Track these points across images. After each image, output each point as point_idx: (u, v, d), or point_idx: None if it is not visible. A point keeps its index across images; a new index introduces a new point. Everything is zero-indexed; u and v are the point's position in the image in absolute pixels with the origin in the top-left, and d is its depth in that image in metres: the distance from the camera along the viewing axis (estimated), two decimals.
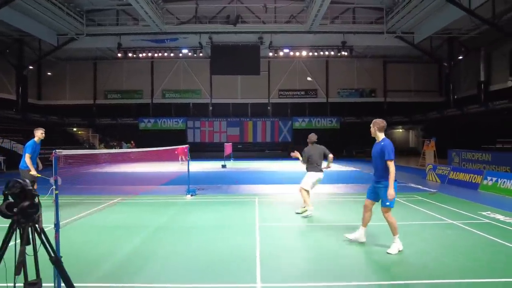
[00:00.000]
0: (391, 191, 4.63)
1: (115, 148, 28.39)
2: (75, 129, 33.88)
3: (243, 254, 4.74)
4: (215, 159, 26.12)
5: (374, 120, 5.00)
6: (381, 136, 4.93)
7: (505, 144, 15.94)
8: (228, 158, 23.38)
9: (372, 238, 5.40)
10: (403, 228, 6.10)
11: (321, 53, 28.32)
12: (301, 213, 7.03)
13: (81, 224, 6.52)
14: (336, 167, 19.19)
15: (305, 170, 7.14)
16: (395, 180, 4.75)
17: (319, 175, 6.94)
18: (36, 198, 1.91)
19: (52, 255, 1.96)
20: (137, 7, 21.86)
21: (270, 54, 28.50)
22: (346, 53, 27.76)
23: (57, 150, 3.31)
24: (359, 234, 5.16)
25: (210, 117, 33.90)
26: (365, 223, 5.16)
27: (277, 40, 27.47)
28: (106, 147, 31.02)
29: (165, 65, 33.14)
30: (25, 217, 1.81)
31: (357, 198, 8.81)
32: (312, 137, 7.05)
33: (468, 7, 19.52)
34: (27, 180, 1.95)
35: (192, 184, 11.04)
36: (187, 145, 9.94)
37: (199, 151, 29.57)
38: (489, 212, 7.29)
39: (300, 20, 26.58)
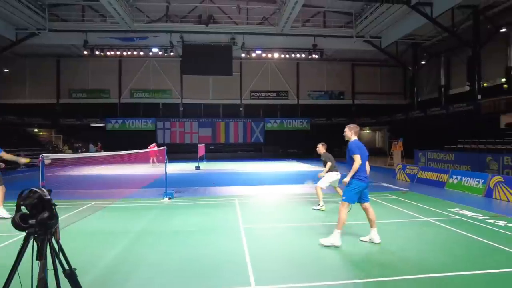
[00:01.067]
0: (346, 179, 5.09)
1: (80, 150, 27.13)
2: (36, 130, 31.96)
3: (233, 257, 4.71)
4: (187, 160, 25.73)
5: (349, 125, 5.47)
6: (353, 138, 5.39)
7: (465, 145, 17.00)
8: (201, 159, 23.10)
9: (355, 237, 5.56)
10: (383, 226, 6.35)
11: (293, 55, 28.70)
12: (318, 209, 7.80)
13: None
14: (308, 168, 19.58)
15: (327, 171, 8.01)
16: (357, 177, 5.09)
17: (338, 175, 7.89)
18: (54, 208, 1.77)
19: (67, 267, 1.83)
20: (105, 3, 21.02)
21: (243, 55, 28.48)
22: (316, 56, 28.37)
23: (43, 154, 3.11)
24: (373, 234, 5.33)
25: (180, 117, 33.28)
26: (371, 224, 5.33)
27: (250, 41, 27.52)
28: (71, 149, 29.57)
29: (134, 64, 32.14)
30: (44, 229, 1.67)
31: (331, 198, 9.02)
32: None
33: (431, 15, 20.65)
34: (45, 190, 1.80)
35: (168, 187, 10.82)
36: (164, 147, 9.67)
37: (170, 153, 28.86)
38: (457, 209, 7.74)
39: (272, 22, 26.84)
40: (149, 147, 19.45)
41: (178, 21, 26.62)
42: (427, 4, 20.54)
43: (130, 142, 27.52)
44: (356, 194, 5.13)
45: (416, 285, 3.84)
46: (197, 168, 19.05)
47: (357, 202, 5.29)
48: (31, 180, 13.59)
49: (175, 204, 8.66)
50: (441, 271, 4.17)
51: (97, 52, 27.06)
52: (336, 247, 5.08)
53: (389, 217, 7.16)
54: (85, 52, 26.93)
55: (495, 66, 22.86)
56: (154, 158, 19.87)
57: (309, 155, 28.55)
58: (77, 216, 7.31)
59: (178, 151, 30.58)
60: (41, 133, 32.15)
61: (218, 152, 31.54)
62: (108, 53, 27.45)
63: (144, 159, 19.75)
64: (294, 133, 33.34)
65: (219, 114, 34.21)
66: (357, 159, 5.07)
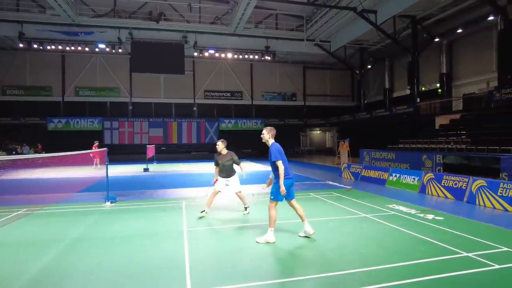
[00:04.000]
0: (282, 188, 5.20)
1: (15, 152, 24.92)
2: None
3: (172, 262, 4.57)
4: (136, 162, 24.76)
5: (267, 128, 5.58)
6: (271, 141, 5.53)
7: (406, 144, 18.23)
8: (151, 161, 22.34)
9: (294, 234, 5.68)
10: (325, 223, 6.59)
11: (246, 56, 28.87)
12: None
13: None
14: (260, 167, 19.78)
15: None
16: (290, 178, 5.36)
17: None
18: None
19: None
20: None
21: (195, 54, 28.05)
22: (269, 58, 28.78)
23: None
24: (306, 227, 5.60)
25: (129, 117, 31.87)
26: (301, 218, 5.62)
27: (202, 40, 27.16)
28: (5, 150, 27.01)
29: (79, 60, 30.19)
30: None
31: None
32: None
33: (375, 22, 21.88)
34: None
35: (112, 190, 10.29)
36: (105, 148, 9.17)
37: (118, 154, 27.62)
38: (394, 205, 8.25)
39: (225, 22, 26.75)
40: (93, 147, 18.24)
41: (127, 17, 25.52)
42: (371, 12, 21.71)
43: (75, 143, 25.81)
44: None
45: (350, 280, 3.99)
46: (146, 170, 18.35)
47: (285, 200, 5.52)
48: None
49: (118, 209, 8.24)
50: (373, 265, 4.40)
51: (35, 46, 25.07)
52: (272, 244, 5.25)
53: (331, 214, 7.42)
54: (21, 45, 24.80)
55: (431, 72, 24.86)
56: (97, 160, 18.42)
57: (263, 155, 28.88)
58: (2, 225, 6.67)
59: (127, 152, 29.34)
60: None
61: (171, 153, 30.68)
62: (48, 47, 25.56)
63: (87, 161, 18.49)
64: (249, 133, 33.35)
65: (171, 114, 33.30)
66: (280, 164, 5.27)
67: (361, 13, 21.37)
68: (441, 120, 20.31)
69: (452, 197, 9.05)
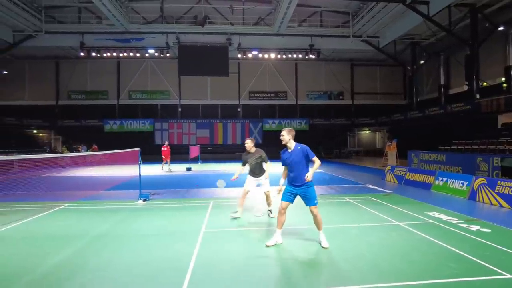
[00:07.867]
0: (310, 173, 4.99)
1: (76, 151, 27.19)
2: (35, 131, 32.20)
3: (176, 264, 4.52)
4: (183, 161, 25.59)
5: (287, 128, 5.22)
6: (293, 142, 5.19)
7: (459, 145, 16.59)
8: (195, 160, 22.97)
9: (303, 242, 5.34)
10: (348, 230, 6.14)
11: (290, 55, 28.53)
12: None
13: (10, 234, 6.06)
14: None
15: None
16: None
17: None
18: None
19: None
20: (99, 4, 21.09)
21: (239, 55, 28.36)
22: (314, 56, 28.13)
23: None
24: (277, 237, 5.35)
25: (178, 118, 33.23)
26: (281, 225, 5.36)
27: (246, 42, 27.39)
28: (70, 150, 29.67)
29: (132, 65, 32.22)
30: None
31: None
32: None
33: (427, 14, 20.26)
34: None
35: (150, 189, 10.73)
36: (138, 148, 9.50)
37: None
38: (434, 213, 7.46)
39: (268, 22, 26.66)
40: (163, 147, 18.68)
41: (174, 22, 26.60)
42: (423, 3, 20.17)
43: (128, 143, 27.46)
44: None
45: None
46: (189, 169, 18.89)
47: (285, 200, 5.24)
48: None
49: (147, 207, 8.51)
50: (389, 280, 3.96)
51: (93, 54, 27.19)
52: (281, 251, 5.06)
53: (359, 220, 6.90)
54: (82, 54, 27.07)
55: (494, 65, 22.37)
56: (168, 160, 18.70)
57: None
58: (41, 218, 7.20)
59: (176, 152, 30.48)
60: (40, 134, 32.37)
61: (216, 153, 31.41)
62: (104, 55, 27.57)
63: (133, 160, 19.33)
64: None
65: (217, 115, 34.08)
66: (317, 159, 5.10)
67: (411, 4, 19.96)
68: (505, 119, 18.20)
69: (508, 206, 7.96)
